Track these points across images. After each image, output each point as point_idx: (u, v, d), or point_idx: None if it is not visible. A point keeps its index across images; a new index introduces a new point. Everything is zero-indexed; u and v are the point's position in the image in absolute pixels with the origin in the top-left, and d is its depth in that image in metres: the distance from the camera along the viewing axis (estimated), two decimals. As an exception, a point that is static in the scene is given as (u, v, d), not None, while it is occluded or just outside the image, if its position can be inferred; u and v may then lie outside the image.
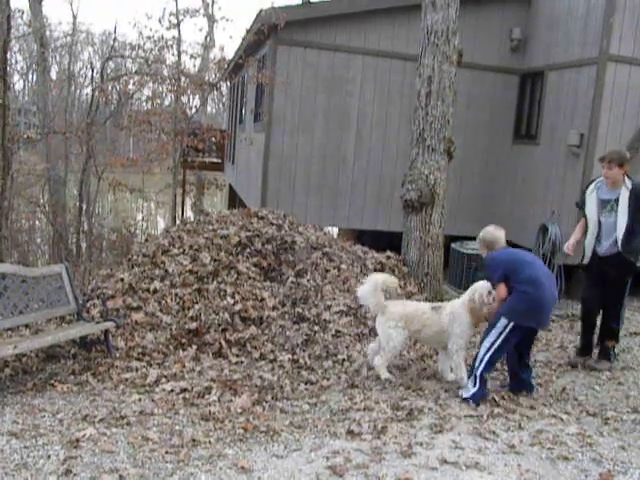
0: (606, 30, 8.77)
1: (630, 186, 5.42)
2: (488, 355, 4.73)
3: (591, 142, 8.99)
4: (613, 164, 5.40)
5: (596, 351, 6.00)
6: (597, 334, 6.00)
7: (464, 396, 4.71)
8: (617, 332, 5.91)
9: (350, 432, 4.04)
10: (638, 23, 8.83)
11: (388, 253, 7.56)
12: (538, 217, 9.71)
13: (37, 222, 17.33)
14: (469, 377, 4.82)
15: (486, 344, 4.77)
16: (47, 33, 20.86)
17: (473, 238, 10.12)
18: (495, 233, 5.05)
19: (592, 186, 5.73)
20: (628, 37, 8.82)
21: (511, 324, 4.70)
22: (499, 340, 4.73)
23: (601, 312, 5.90)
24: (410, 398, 4.76)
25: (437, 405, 4.64)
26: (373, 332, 6.02)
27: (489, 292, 4.90)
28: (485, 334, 4.84)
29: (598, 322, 5.95)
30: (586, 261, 5.85)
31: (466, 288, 9.68)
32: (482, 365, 4.72)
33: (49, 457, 3.53)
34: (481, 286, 4.98)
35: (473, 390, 4.69)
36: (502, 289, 4.77)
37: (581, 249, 5.87)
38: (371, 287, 5.09)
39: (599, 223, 5.62)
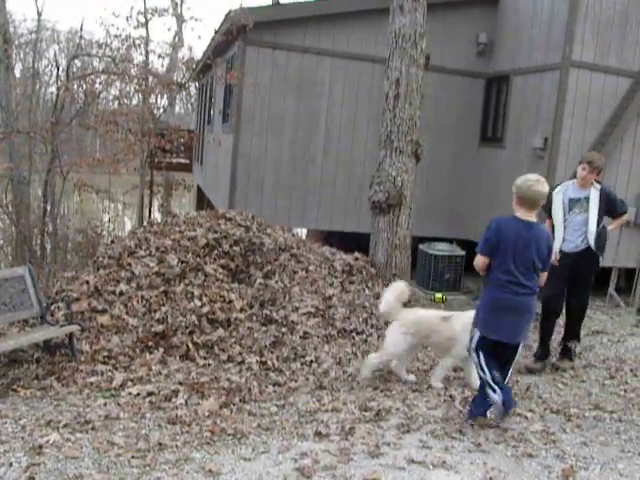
0: (568, 37, 8.96)
1: (599, 186, 5.73)
2: (480, 374, 4.29)
3: (555, 145, 9.17)
4: (595, 169, 5.66)
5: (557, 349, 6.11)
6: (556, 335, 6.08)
7: (497, 409, 4.23)
8: (579, 332, 6.05)
9: (318, 433, 4.05)
10: (599, 30, 9.05)
11: (356, 254, 7.60)
12: (504, 219, 9.86)
13: (0, 223, 16.96)
14: (481, 393, 4.33)
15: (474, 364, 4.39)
16: (11, 29, 20.40)
17: (440, 239, 10.31)
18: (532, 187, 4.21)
19: (559, 187, 5.93)
20: (590, 44, 9.03)
21: (478, 333, 4.30)
22: (475, 354, 4.31)
23: (564, 312, 5.98)
24: (378, 399, 4.79)
25: (405, 405, 4.68)
26: (341, 334, 6.06)
27: None
28: None
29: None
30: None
31: (433, 289, 9.78)
32: (486, 371, 4.23)
33: (11, 464, 3.45)
34: None
35: (499, 397, 4.14)
36: (479, 260, 4.29)
37: None
38: (395, 293, 5.22)
39: (564, 221, 5.81)
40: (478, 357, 4.30)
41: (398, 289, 5.30)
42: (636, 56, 9.29)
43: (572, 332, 6.00)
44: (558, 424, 4.49)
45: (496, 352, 4.28)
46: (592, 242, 5.71)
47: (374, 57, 10.18)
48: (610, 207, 5.78)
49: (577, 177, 5.78)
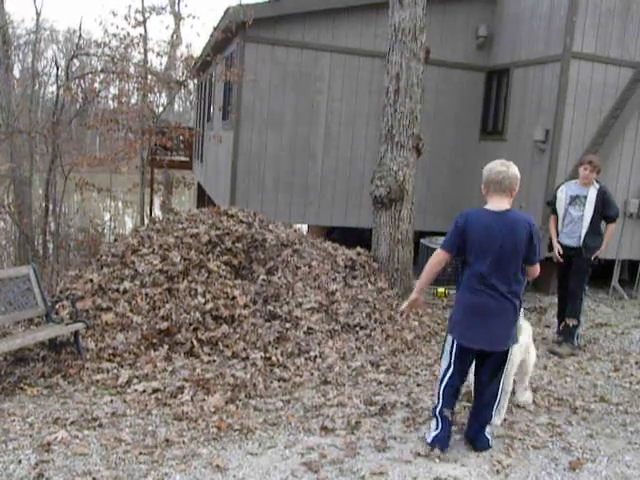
0: (569, 28, 8.92)
1: (598, 186, 6.20)
2: (441, 386, 3.85)
3: (556, 138, 9.16)
4: (595, 168, 6.16)
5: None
6: None
7: (427, 440, 3.84)
8: (578, 312, 6.37)
9: (324, 428, 4.06)
10: (600, 21, 9.02)
11: (358, 249, 7.59)
12: (506, 212, 9.86)
13: (2, 223, 16.97)
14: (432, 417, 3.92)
15: (440, 372, 3.91)
16: (10, 31, 20.34)
17: (442, 234, 10.28)
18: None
19: (562, 186, 6.54)
20: (590, 35, 9.00)
21: (455, 342, 3.77)
22: (450, 364, 3.80)
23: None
24: (383, 393, 4.80)
25: (410, 399, 4.68)
26: (344, 329, 6.07)
27: None
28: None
29: None
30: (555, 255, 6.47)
31: (435, 283, 9.78)
32: (439, 401, 3.83)
33: (20, 462, 3.47)
34: None
35: (434, 433, 3.80)
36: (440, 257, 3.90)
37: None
38: None
39: (565, 215, 6.38)
40: (441, 380, 3.86)
41: None
42: (638, 46, 9.24)
43: (571, 311, 6.37)
44: (564, 417, 4.50)
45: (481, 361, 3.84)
46: (581, 240, 6.20)
47: (373, 52, 10.16)
48: (604, 206, 6.20)
49: (579, 177, 6.27)
